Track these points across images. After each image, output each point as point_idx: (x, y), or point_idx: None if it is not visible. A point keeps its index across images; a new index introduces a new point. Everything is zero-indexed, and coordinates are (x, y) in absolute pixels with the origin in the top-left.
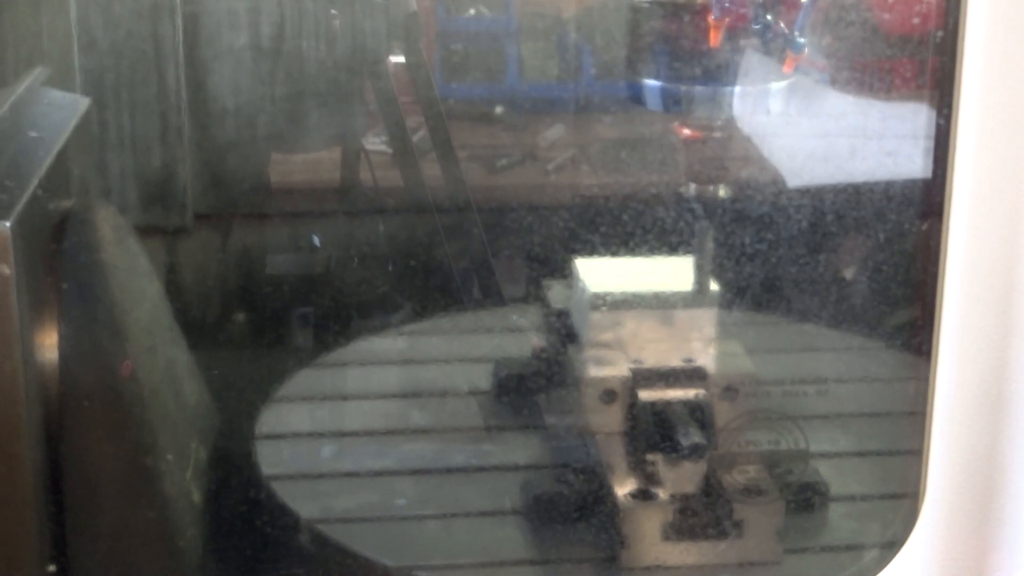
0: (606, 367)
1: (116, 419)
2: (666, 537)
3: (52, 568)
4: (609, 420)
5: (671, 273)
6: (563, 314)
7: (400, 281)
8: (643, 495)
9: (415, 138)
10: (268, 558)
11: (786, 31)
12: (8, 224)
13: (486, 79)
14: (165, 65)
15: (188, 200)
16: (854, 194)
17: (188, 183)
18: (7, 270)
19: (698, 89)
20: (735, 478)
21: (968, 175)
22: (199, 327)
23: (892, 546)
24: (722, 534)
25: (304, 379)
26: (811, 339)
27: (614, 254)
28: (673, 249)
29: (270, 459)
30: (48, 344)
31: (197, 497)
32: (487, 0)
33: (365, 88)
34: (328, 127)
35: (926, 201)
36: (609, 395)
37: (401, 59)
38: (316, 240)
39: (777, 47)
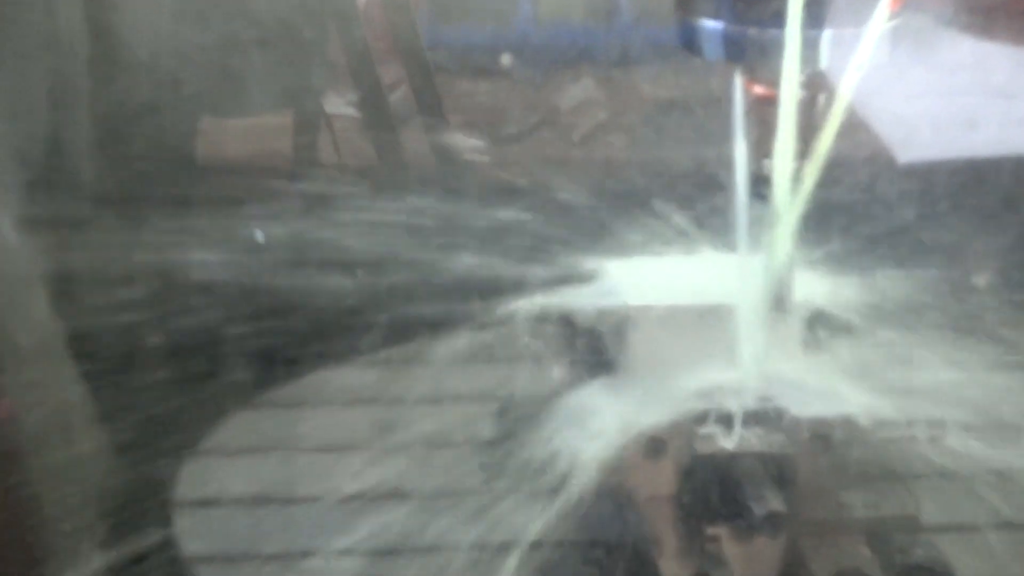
0: (651, 407)
1: None
2: None
3: None
4: (656, 479)
5: (737, 278)
6: (592, 335)
7: (372, 290)
8: None
9: (393, 98)
10: None
11: None
12: None
13: (488, 20)
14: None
15: (88, 182)
16: (987, 172)
17: (88, 158)
18: None
19: (773, 33)
20: (826, 557)
21: None
22: (102, 354)
23: None
24: None
25: (242, 423)
26: (926, 362)
27: (660, 253)
28: (740, 246)
29: (194, 531)
30: None
31: None
32: None
33: (328, 32)
34: (277, 83)
35: None
36: (656, 445)
37: None
38: (259, 234)
39: None
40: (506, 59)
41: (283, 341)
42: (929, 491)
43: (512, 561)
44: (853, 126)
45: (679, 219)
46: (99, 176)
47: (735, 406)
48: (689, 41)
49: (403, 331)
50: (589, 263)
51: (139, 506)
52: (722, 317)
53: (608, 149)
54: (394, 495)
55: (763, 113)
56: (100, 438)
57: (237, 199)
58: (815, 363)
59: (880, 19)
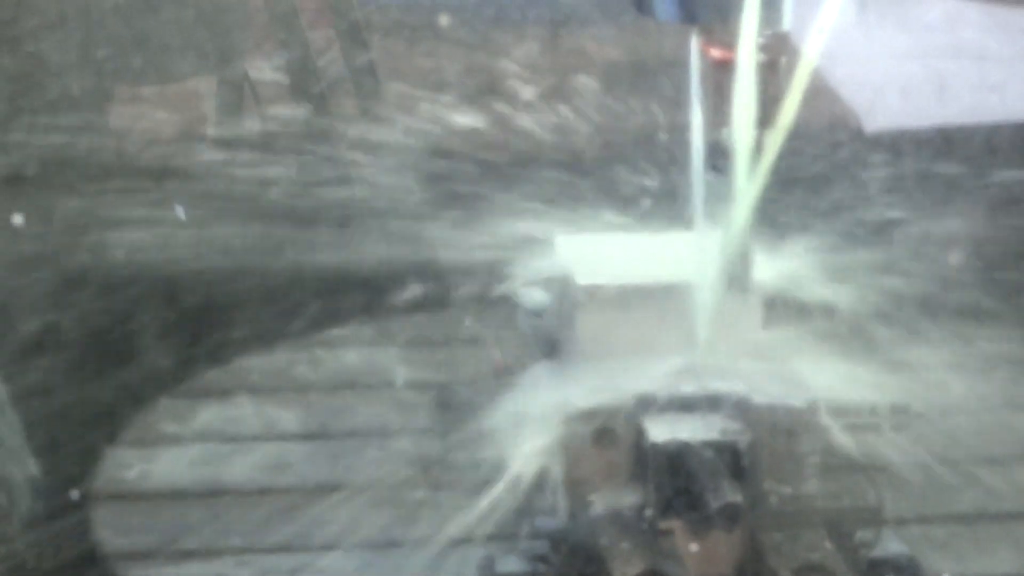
0: (600, 393)
1: None
2: None
3: None
4: (604, 470)
5: (694, 255)
6: (538, 315)
7: (303, 271)
8: None
9: (322, 61)
10: None
11: None
12: None
13: None
14: None
15: None
16: (964, 142)
17: None
18: None
19: None
20: (787, 553)
21: None
22: (8, 339)
23: None
24: None
25: (165, 413)
26: (892, 343)
27: (611, 229)
28: (697, 221)
29: (114, 526)
30: None
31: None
32: None
33: None
34: (198, 47)
35: None
36: (604, 434)
37: None
38: (180, 211)
39: None
40: (444, 18)
41: (208, 324)
42: (893, 482)
43: (453, 555)
44: (822, 90)
45: (631, 192)
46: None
47: (689, 392)
48: (640, 0)
49: (336, 313)
50: (534, 239)
51: (58, 501)
52: (676, 297)
53: (552, 115)
54: (326, 489)
55: (721, 78)
56: (14, 429)
57: (155, 170)
58: (775, 346)
59: None
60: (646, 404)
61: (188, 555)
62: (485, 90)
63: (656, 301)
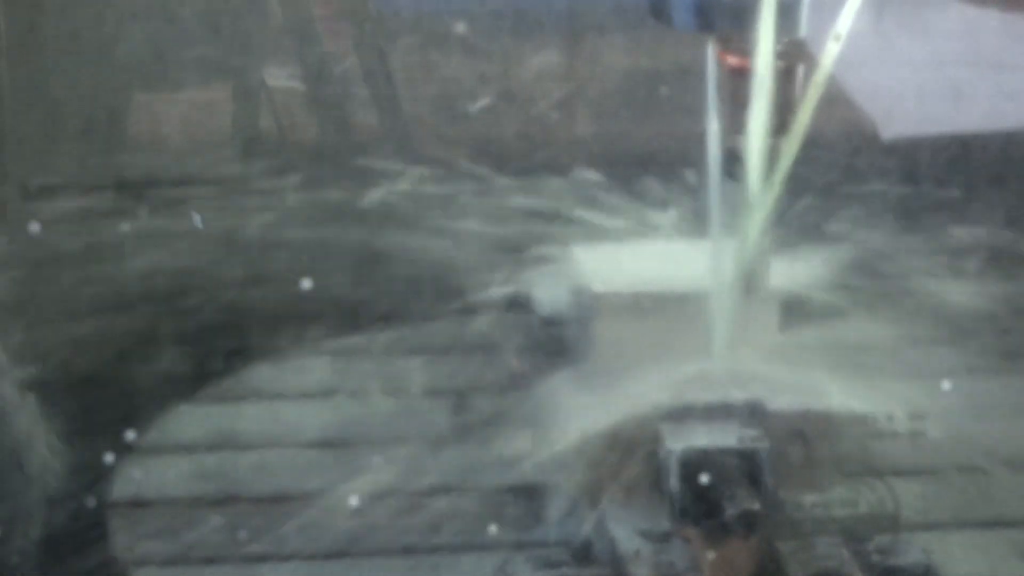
0: (617, 401)
1: None
2: None
3: None
4: (622, 478)
5: (709, 263)
6: (554, 323)
7: (320, 278)
8: None
9: (339, 69)
10: None
11: None
12: None
13: None
14: None
15: (7, 163)
16: (980, 150)
17: (6, 136)
18: None
19: None
20: (803, 560)
21: None
22: (31, 347)
23: None
24: None
25: (181, 420)
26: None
27: (628, 237)
28: (712, 229)
29: (133, 532)
30: None
31: None
32: None
33: None
34: (215, 54)
35: None
36: (622, 441)
37: None
38: (197, 219)
39: None
40: (460, 26)
41: (224, 331)
42: (910, 488)
43: (468, 561)
44: (838, 98)
45: (647, 200)
46: (23, 155)
47: (706, 399)
48: (658, 8)
49: (353, 320)
50: (551, 247)
51: (75, 506)
52: (693, 304)
53: (570, 124)
54: (343, 494)
55: (737, 86)
56: (34, 433)
57: (173, 179)
58: (791, 352)
59: None
60: (663, 411)
61: (201, 562)
62: (502, 95)
63: (672, 309)
